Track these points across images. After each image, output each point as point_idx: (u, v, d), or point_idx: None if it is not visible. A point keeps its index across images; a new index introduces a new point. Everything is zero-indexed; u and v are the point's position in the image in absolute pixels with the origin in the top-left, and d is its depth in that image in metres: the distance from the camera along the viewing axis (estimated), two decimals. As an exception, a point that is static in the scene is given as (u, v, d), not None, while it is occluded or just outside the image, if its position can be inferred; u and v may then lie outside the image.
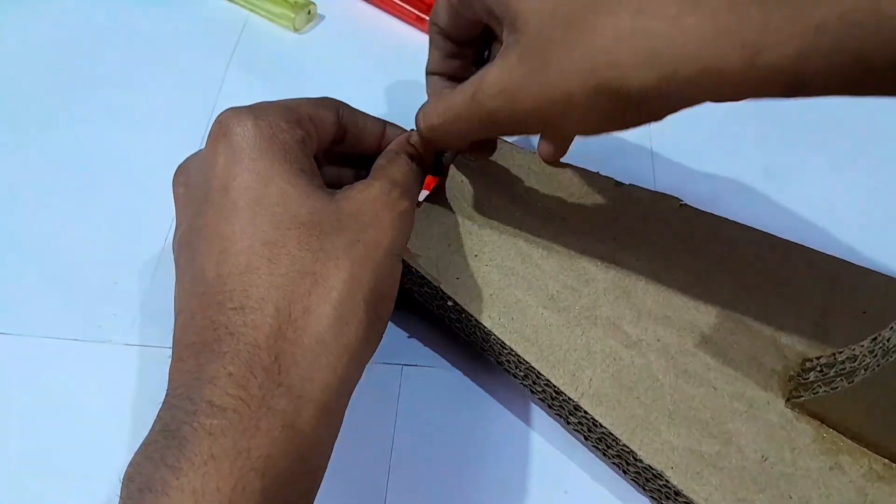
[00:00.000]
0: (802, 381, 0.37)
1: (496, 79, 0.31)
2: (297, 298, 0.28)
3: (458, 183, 0.41)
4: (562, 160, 0.41)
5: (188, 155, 0.35)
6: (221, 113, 0.31)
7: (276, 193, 0.29)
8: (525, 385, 0.38)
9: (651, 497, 0.36)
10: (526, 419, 0.40)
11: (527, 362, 0.37)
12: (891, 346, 0.33)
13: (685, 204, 0.43)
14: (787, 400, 0.37)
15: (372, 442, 0.39)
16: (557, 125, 0.31)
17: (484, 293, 0.38)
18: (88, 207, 0.44)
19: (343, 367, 0.28)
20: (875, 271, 0.42)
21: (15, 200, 0.47)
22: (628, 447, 0.35)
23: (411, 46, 0.55)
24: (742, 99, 0.27)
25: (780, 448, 0.36)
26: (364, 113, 0.37)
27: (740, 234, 0.43)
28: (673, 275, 0.40)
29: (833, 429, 0.37)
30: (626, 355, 0.37)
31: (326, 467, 0.29)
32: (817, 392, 0.36)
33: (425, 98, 0.38)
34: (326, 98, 0.36)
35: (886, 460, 0.36)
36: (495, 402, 0.41)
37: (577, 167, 0.44)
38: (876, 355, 0.34)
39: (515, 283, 0.38)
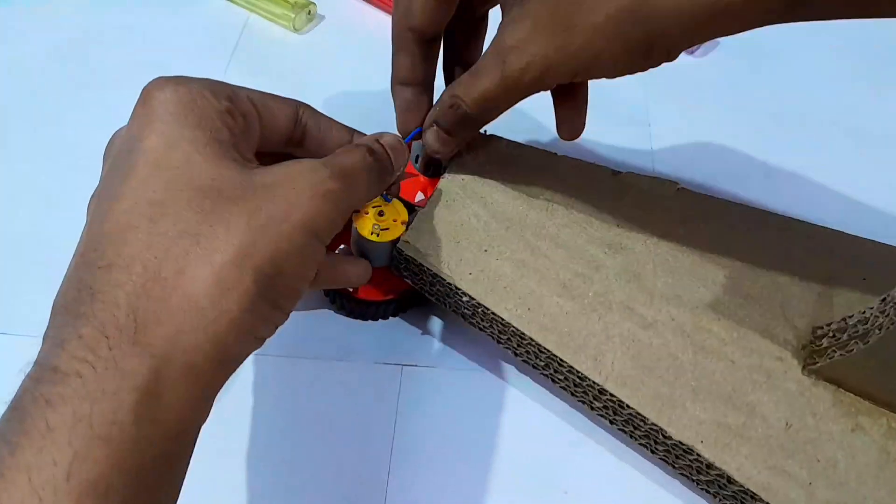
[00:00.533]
0: (816, 348, 0.38)
1: (519, 54, 0.33)
2: (172, 258, 0.26)
3: (459, 182, 0.41)
4: (559, 154, 0.42)
5: None
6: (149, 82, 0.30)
7: (179, 157, 0.28)
8: (546, 375, 0.38)
9: (682, 474, 0.37)
10: (529, 418, 0.40)
11: (548, 350, 0.37)
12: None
13: (683, 187, 0.44)
14: (804, 368, 0.38)
15: (372, 442, 0.39)
16: (586, 75, 0.34)
17: (498, 286, 0.38)
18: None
19: (219, 334, 0.26)
20: (870, 240, 0.43)
21: (15, 200, 0.46)
22: (657, 425, 0.35)
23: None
24: (753, 27, 0.30)
25: (802, 414, 0.36)
26: (331, 119, 0.36)
27: (738, 213, 0.43)
28: (678, 256, 0.41)
29: (850, 392, 0.38)
30: (643, 336, 0.38)
31: (195, 441, 0.27)
32: (832, 357, 0.37)
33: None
34: (290, 98, 0.35)
35: (904, 417, 0.37)
36: (496, 402, 0.41)
37: (574, 158, 0.44)
38: (888, 314, 0.35)
39: (527, 274, 0.39)
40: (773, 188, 0.51)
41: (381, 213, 0.38)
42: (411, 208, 0.40)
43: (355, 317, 0.42)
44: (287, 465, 0.38)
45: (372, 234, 0.38)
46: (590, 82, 0.38)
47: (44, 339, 0.25)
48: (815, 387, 0.37)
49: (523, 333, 0.37)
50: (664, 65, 0.33)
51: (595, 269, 0.40)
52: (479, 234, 0.39)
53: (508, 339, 0.38)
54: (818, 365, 0.37)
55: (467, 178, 0.41)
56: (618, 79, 0.34)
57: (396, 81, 0.40)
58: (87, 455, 0.23)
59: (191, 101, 0.29)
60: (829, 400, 0.37)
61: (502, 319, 0.37)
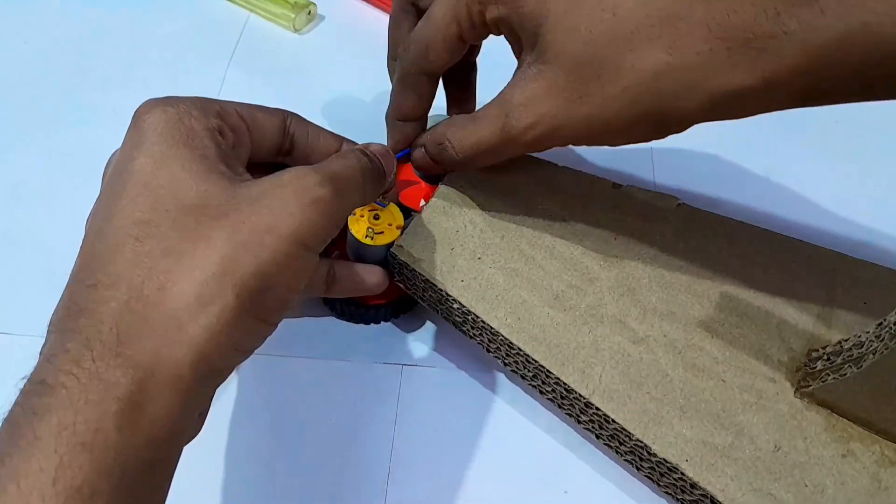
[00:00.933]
0: (810, 371, 0.37)
1: (527, 110, 0.34)
2: (154, 275, 0.26)
3: (458, 188, 0.41)
4: (560, 165, 0.42)
5: None
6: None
7: (167, 176, 0.28)
8: (534, 386, 0.38)
9: (667, 492, 0.36)
10: (528, 418, 0.40)
11: (535, 361, 0.37)
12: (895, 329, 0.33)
13: (683, 203, 0.43)
14: (796, 390, 0.37)
15: (372, 442, 0.39)
16: (590, 141, 0.35)
17: (489, 295, 0.38)
18: (89, 207, 0.45)
19: (201, 347, 0.26)
20: (873, 263, 0.42)
21: (16, 200, 0.47)
22: (642, 442, 0.35)
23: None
24: (768, 111, 0.32)
25: (791, 437, 0.36)
26: (320, 128, 0.37)
27: (739, 230, 0.43)
28: (675, 272, 0.40)
29: (843, 416, 0.37)
30: (633, 351, 0.37)
31: (180, 450, 0.28)
32: (825, 380, 0.36)
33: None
34: (276, 108, 0.35)
35: (898, 445, 0.36)
36: (496, 402, 0.41)
37: (575, 170, 0.44)
38: (883, 339, 0.34)
39: (520, 283, 0.38)
40: (774, 195, 0.51)
41: (376, 217, 0.39)
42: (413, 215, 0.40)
43: (353, 320, 0.43)
44: (286, 465, 0.38)
45: (366, 237, 0.38)
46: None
47: (39, 356, 0.26)
48: (807, 410, 0.37)
49: (512, 343, 0.37)
50: None
51: (589, 282, 0.39)
52: (474, 241, 0.39)
53: (498, 347, 0.38)
54: (811, 388, 0.37)
55: (466, 185, 0.41)
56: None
57: (397, 117, 0.40)
58: (72, 462, 0.24)
59: (178, 120, 0.30)
60: (820, 424, 0.37)
61: (492, 328, 0.37)
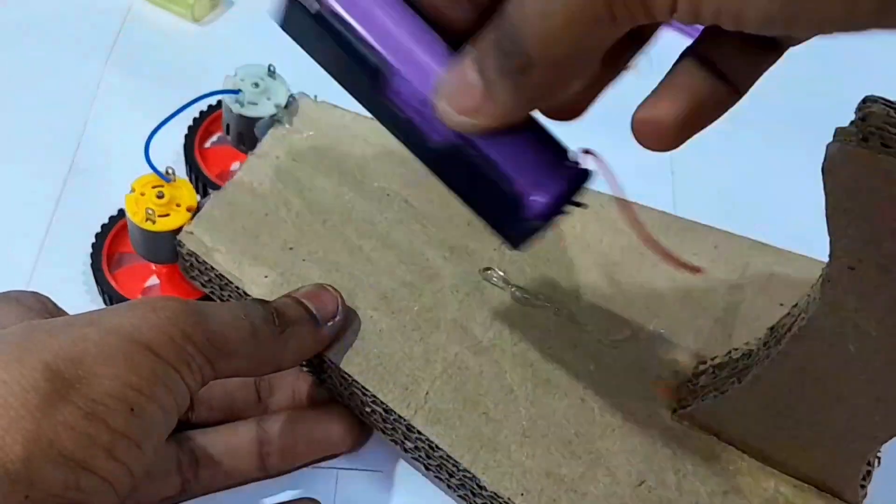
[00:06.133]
0: (692, 388, 0.30)
1: None
2: None
3: (273, 161, 0.34)
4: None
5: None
6: None
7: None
8: (353, 407, 0.31)
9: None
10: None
11: (350, 376, 0.30)
12: (783, 332, 0.26)
13: None
14: (674, 411, 0.30)
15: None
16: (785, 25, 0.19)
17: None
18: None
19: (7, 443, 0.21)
20: (796, 254, 0.35)
21: None
22: (470, 472, 0.28)
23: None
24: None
25: (661, 470, 0.29)
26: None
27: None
28: (540, 264, 0.33)
29: (731, 444, 0.30)
30: (473, 363, 0.31)
31: None
32: (705, 399, 0.29)
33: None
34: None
35: (797, 481, 0.29)
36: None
37: None
38: (769, 346, 0.27)
39: (339, 280, 0.31)
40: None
41: (160, 196, 0.32)
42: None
43: None
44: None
45: (147, 220, 0.31)
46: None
47: None
48: (685, 437, 0.30)
49: (323, 356, 0.30)
50: None
51: (428, 279, 0.32)
52: (287, 227, 0.33)
53: (309, 362, 0.31)
54: (690, 408, 0.30)
55: (284, 156, 0.34)
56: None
57: None
58: None
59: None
60: (701, 454, 0.29)
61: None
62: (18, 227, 0.38)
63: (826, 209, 0.22)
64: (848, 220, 0.22)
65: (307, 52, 0.24)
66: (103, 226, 0.36)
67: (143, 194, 0.32)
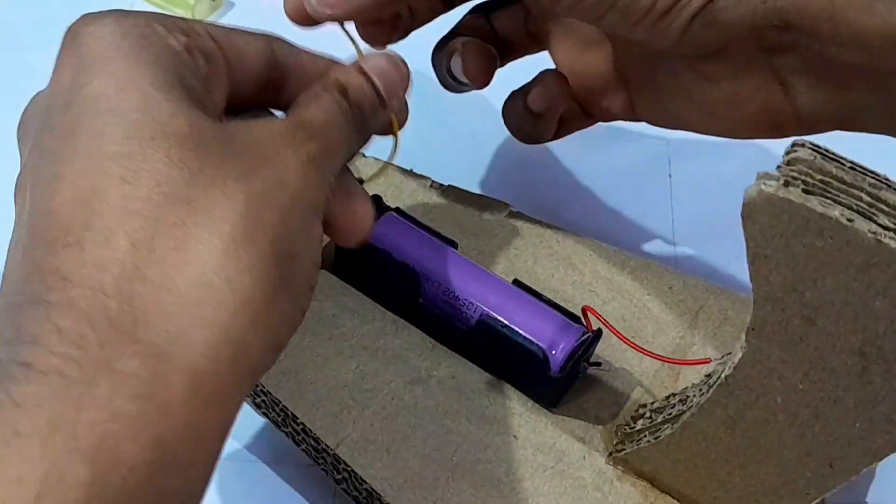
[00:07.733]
0: (629, 431, 0.30)
1: None
2: (165, 228, 0.19)
3: None
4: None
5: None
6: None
7: (137, 98, 0.21)
8: (287, 433, 0.31)
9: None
10: None
11: (280, 402, 0.29)
12: (713, 380, 0.26)
13: (516, 211, 0.36)
14: (610, 454, 0.29)
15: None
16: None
17: None
18: None
19: (239, 328, 0.20)
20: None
21: None
22: (392, 508, 0.28)
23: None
24: None
25: (590, 514, 0.28)
26: (313, 53, 0.27)
27: (583, 250, 0.35)
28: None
29: (665, 492, 0.29)
30: (408, 394, 0.30)
31: (213, 471, 0.20)
32: (640, 443, 0.28)
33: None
34: (260, 32, 0.26)
35: (735, 534, 0.28)
36: None
37: (397, 166, 0.37)
38: (703, 392, 0.26)
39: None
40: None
41: None
42: None
43: None
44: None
45: None
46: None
47: None
48: (618, 481, 0.29)
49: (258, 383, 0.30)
50: None
51: (371, 306, 0.32)
52: None
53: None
54: (625, 452, 0.29)
55: None
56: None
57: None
58: (66, 474, 0.17)
59: (139, 34, 0.22)
60: (632, 499, 0.29)
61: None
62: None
63: (747, 255, 0.21)
64: (769, 268, 0.21)
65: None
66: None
67: None
